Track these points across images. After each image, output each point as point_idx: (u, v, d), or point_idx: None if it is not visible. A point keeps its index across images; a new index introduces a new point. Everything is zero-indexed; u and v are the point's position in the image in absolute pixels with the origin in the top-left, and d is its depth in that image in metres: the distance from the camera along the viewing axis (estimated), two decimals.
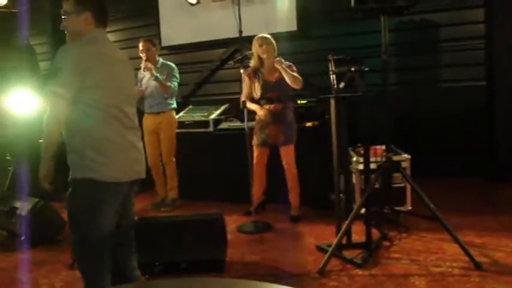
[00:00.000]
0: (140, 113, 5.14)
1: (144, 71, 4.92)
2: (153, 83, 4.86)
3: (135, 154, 2.38)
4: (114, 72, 2.31)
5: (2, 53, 6.23)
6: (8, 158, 5.72)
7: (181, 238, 3.30)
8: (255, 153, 4.42)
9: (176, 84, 4.97)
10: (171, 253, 3.28)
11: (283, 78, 4.24)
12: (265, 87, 4.35)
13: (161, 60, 5.07)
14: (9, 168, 5.46)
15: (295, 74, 4.22)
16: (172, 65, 5.05)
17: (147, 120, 5.05)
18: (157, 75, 4.79)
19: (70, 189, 2.28)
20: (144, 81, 5.00)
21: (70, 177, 2.28)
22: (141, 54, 4.93)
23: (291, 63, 4.35)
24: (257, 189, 4.52)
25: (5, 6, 6.35)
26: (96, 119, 2.22)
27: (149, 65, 4.83)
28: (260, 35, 4.41)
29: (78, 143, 2.23)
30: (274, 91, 4.32)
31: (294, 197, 4.43)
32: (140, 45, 4.96)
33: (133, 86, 2.54)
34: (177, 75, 5.02)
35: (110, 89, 2.26)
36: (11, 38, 6.32)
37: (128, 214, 2.49)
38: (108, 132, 2.24)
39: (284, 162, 4.35)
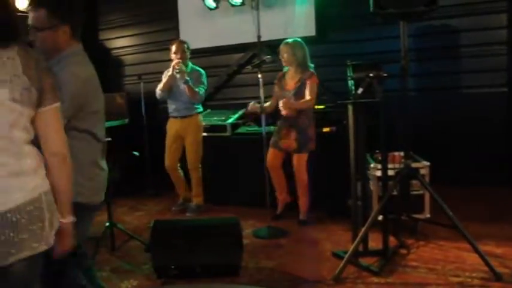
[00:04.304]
0: (164, 117, 5.17)
1: (175, 72, 4.81)
2: (182, 86, 4.84)
3: (105, 175, 2.33)
4: (101, 93, 2.26)
5: None
6: None
7: (197, 242, 3.30)
8: (268, 154, 4.42)
9: (203, 90, 4.94)
10: (186, 257, 3.29)
11: (301, 86, 4.28)
12: (283, 94, 4.39)
13: (191, 64, 5.04)
14: None
15: (303, 104, 4.27)
16: (202, 70, 5.02)
17: (172, 124, 5.03)
18: (188, 79, 4.77)
19: None
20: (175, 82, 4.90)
21: None
22: (173, 55, 4.88)
23: (313, 71, 4.36)
24: (279, 193, 4.54)
25: None
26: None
27: (183, 67, 4.80)
28: (285, 40, 4.44)
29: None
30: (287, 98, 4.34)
31: (302, 202, 4.43)
32: (174, 46, 4.92)
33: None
34: (205, 82, 5.00)
35: (100, 112, 2.23)
36: None
37: None
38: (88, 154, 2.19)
39: (294, 169, 4.37)
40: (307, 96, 4.28)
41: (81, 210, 2.07)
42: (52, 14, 2.03)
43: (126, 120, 5.91)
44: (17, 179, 1.56)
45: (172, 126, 5.03)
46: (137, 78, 6.08)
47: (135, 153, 5.06)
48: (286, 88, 4.41)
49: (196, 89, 4.83)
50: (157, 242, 3.34)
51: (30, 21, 2.07)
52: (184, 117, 4.96)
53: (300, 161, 4.34)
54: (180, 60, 4.82)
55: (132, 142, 5.69)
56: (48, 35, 2.06)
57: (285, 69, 4.49)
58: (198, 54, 6.49)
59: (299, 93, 4.31)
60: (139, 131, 5.91)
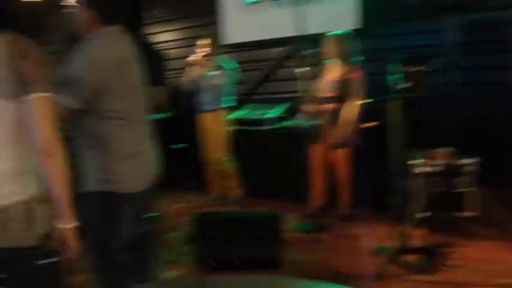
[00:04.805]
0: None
1: (194, 65, 4.96)
2: (208, 80, 4.93)
3: (151, 160, 2.27)
4: (132, 77, 2.16)
5: None
6: None
7: (237, 234, 3.31)
8: (311, 149, 4.42)
9: (230, 85, 5.01)
10: (226, 249, 3.30)
11: (345, 81, 4.24)
12: (324, 87, 4.37)
13: (220, 58, 5.12)
14: None
15: (354, 113, 4.20)
16: (231, 65, 5.09)
17: (201, 118, 5.15)
18: (211, 74, 4.86)
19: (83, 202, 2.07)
20: (200, 76, 5.05)
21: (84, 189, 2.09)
22: (199, 50, 5.00)
23: (357, 67, 4.31)
24: (316, 192, 4.49)
25: None
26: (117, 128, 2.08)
27: (203, 61, 4.90)
28: (328, 33, 4.44)
29: (95, 155, 2.08)
30: (330, 91, 4.32)
31: (343, 197, 4.39)
32: (202, 42, 5.04)
33: (144, 86, 2.29)
34: (234, 76, 5.06)
35: (128, 96, 2.11)
36: None
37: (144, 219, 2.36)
38: (125, 141, 2.10)
39: (335, 164, 4.34)
40: (354, 98, 4.23)
41: (113, 199, 2.05)
42: None
43: (169, 114, 6.00)
44: None
45: (202, 120, 5.14)
46: (179, 72, 6.17)
47: (178, 146, 5.14)
48: (327, 81, 4.38)
49: (221, 84, 4.91)
50: (198, 233, 3.37)
51: None
52: (210, 111, 5.04)
53: (341, 156, 4.29)
54: (201, 59, 4.94)
55: (175, 135, 5.78)
56: (79, 11, 2.08)
57: (327, 62, 4.46)
58: (238, 48, 6.52)
59: (342, 87, 4.27)
60: (182, 124, 5.99)
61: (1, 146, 1.51)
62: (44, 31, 5.66)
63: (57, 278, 1.05)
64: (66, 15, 2.15)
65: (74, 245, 1.67)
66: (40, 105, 1.53)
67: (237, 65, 5.17)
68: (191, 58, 5.00)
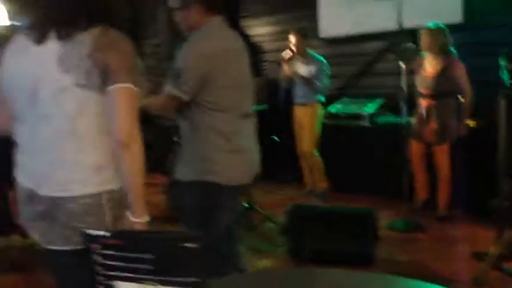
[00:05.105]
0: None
1: (288, 59, 4.99)
2: (301, 73, 4.97)
3: (254, 155, 2.27)
4: (238, 69, 2.18)
5: None
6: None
7: (332, 229, 3.38)
8: (409, 145, 4.34)
9: (326, 81, 5.01)
10: (321, 242, 3.38)
11: (443, 73, 4.10)
12: (422, 82, 4.27)
13: (311, 53, 5.13)
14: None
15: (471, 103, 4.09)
16: (322, 59, 5.08)
17: (295, 111, 5.23)
18: (303, 75, 4.92)
19: (183, 190, 2.15)
20: (293, 71, 5.08)
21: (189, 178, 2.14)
22: (291, 46, 5.04)
23: (455, 58, 4.15)
24: (419, 188, 4.43)
25: None
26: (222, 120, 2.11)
27: (296, 56, 4.95)
28: (426, 25, 4.33)
29: (202, 145, 2.11)
30: (428, 87, 4.21)
31: (442, 197, 4.27)
32: (291, 37, 5.07)
33: (251, 78, 2.32)
34: (327, 70, 5.05)
35: (230, 88, 2.12)
36: None
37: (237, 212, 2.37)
38: (226, 134, 2.12)
39: (435, 162, 4.23)
40: (455, 93, 4.12)
41: (215, 190, 2.07)
42: None
43: (265, 106, 6.12)
44: (74, 172, 1.52)
45: (295, 114, 5.22)
46: (275, 64, 6.27)
47: (275, 138, 5.27)
48: (426, 75, 4.26)
49: (317, 81, 4.92)
50: (293, 225, 3.48)
51: (168, 3, 2.18)
52: (303, 104, 5.09)
53: (440, 154, 4.18)
54: (291, 62, 4.97)
55: (272, 127, 5.90)
56: (182, 15, 2.12)
57: (423, 55, 4.34)
58: (336, 42, 6.48)
59: (441, 82, 4.14)
60: (279, 116, 6.09)
61: (88, 137, 1.53)
62: (146, 25, 5.98)
63: (200, 263, 1.11)
64: (170, 9, 2.20)
65: None
66: (123, 96, 1.51)
67: (325, 59, 5.14)
68: (284, 53, 5.05)
